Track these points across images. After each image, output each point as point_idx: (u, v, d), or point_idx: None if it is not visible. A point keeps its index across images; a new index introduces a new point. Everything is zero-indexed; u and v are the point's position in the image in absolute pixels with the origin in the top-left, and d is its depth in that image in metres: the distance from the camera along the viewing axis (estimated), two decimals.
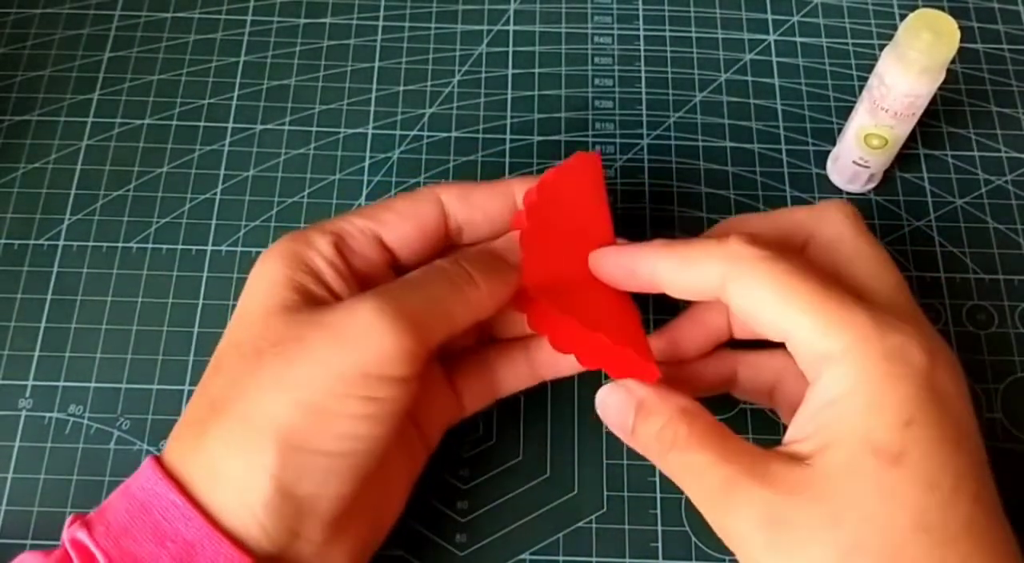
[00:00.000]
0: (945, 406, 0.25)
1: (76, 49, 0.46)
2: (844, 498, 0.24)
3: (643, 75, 0.46)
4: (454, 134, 0.44)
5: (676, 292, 0.30)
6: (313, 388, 0.27)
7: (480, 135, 0.44)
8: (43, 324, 0.39)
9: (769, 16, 0.47)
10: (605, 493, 0.36)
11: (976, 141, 0.44)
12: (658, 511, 0.36)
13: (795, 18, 0.47)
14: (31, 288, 0.40)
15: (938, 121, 0.44)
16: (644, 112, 0.44)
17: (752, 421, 0.37)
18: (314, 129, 0.44)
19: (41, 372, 0.38)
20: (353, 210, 0.33)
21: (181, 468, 0.28)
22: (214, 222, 0.41)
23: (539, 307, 0.31)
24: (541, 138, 0.44)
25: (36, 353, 0.38)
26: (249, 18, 0.47)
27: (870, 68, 0.38)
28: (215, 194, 0.42)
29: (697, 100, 0.45)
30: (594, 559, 0.35)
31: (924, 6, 0.42)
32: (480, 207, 0.33)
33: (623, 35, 0.47)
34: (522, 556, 0.35)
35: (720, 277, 0.28)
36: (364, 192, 0.42)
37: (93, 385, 0.38)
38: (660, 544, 0.35)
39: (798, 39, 0.47)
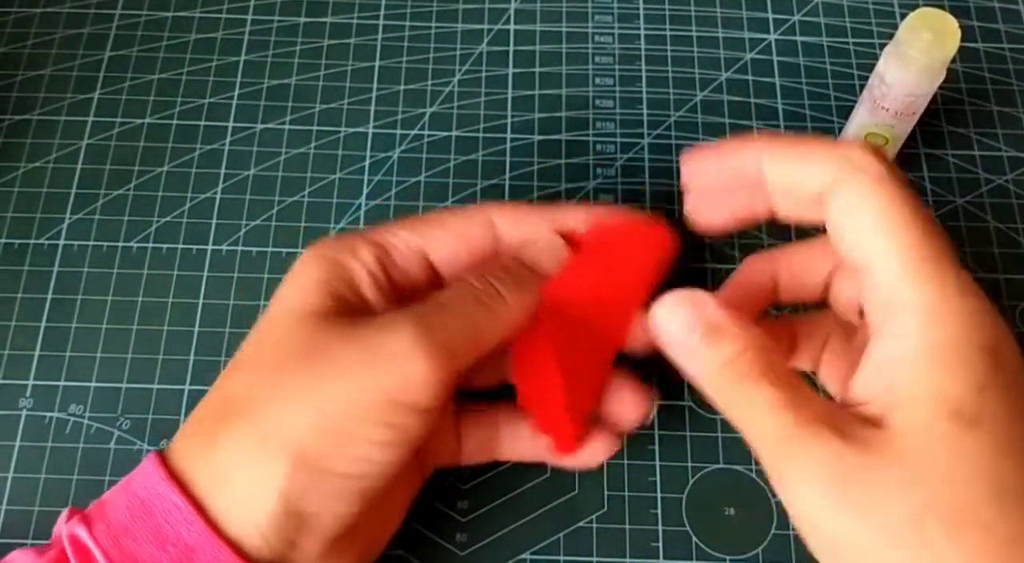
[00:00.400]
0: (1012, 376, 0.25)
1: (77, 48, 0.46)
2: (919, 460, 0.24)
3: (644, 74, 0.46)
4: (455, 133, 0.44)
5: (778, 188, 0.28)
6: (336, 408, 0.26)
7: (481, 134, 0.44)
8: (43, 324, 0.39)
9: (770, 15, 0.47)
10: (605, 493, 0.36)
11: (977, 140, 0.44)
12: (658, 511, 0.36)
13: (796, 17, 0.47)
14: (31, 288, 0.40)
15: (939, 120, 0.44)
16: (645, 111, 0.44)
17: None
18: (314, 128, 0.44)
19: (41, 372, 0.38)
20: (399, 221, 0.32)
21: (187, 468, 0.27)
22: (214, 221, 0.41)
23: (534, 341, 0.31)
24: (542, 137, 0.44)
25: (36, 353, 0.38)
26: (250, 17, 0.47)
27: (871, 67, 0.38)
28: (215, 193, 0.42)
29: (698, 99, 0.45)
30: (594, 559, 0.35)
31: (925, 5, 0.42)
32: (532, 234, 0.32)
33: (624, 34, 0.47)
34: (522, 556, 0.35)
35: (831, 180, 0.26)
36: (364, 191, 0.42)
37: (93, 385, 0.38)
38: (660, 544, 0.35)
39: (799, 38, 0.47)
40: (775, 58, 0.46)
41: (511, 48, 0.46)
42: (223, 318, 0.39)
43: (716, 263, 0.40)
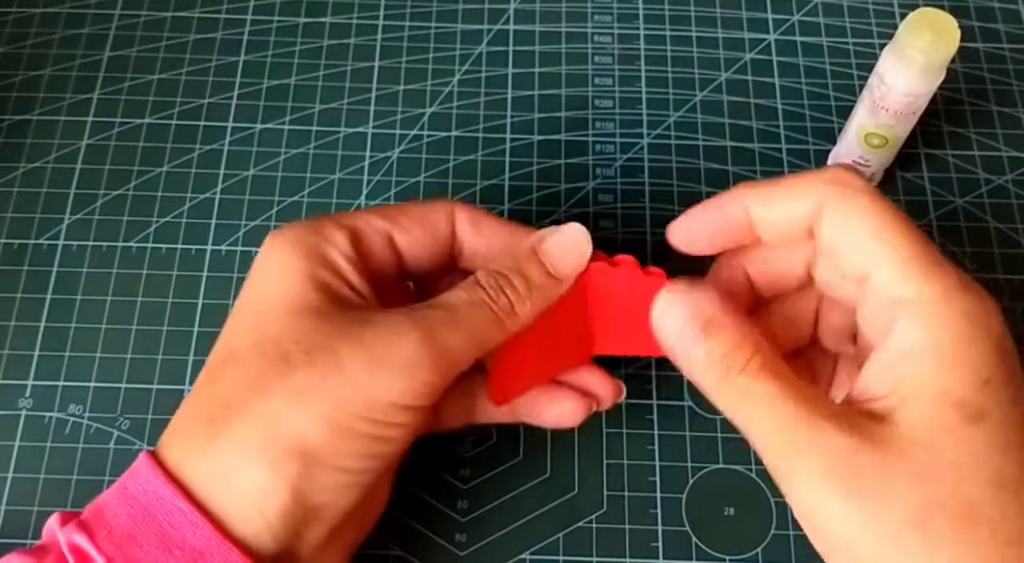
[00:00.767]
0: (1014, 369, 0.25)
1: (76, 48, 0.46)
2: (926, 454, 0.24)
3: (643, 74, 0.46)
4: (454, 133, 0.44)
5: (768, 227, 0.29)
6: (343, 408, 0.26)
7: (480, 134, 0.44)
8: (43, 324, 0.39)
9: (769, 15, 0.47)
10: (605, 493, 0.36)
11: (976, 140, 0.44)
12: (658, 511, 0.36)
13: (795, 17, 0.47)
14: (31, 288, 0.40)
15: (938, 120, 0.44)
16: (644, 111, 0.44)
17: None
18: (314, 128, 0.44)
19: (41, 372, 0.38)
20: (365, 209, 0.32)
21: (186, 469, 0.27)
22: (214, 221, 0.41)
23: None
24: (541, 137, 0.44)
25: (36, 353, 0.38)
26: (249, 17, 0.47)
27: (870, 67, 0.38)
28: (215, 193, 0.42)
29: (697, 99, 0.45)
30: (594, 559, 0.35)
31: (924, 5, 0.42)
32: (487, 240, 0.32)
33: (623, 34, 0.47)
34: (522, 556, 0.35)
35: (817, 204, 0.27)
36: (364, 191, 0.42)
37: (93, 385, 0.38)
38: (660, 544, 0.35)
39: (798, 38, 0.47)
40: (775, 58, 0.46)
41: (510, 48, 0.46)
42: (223, 318, 0.38)
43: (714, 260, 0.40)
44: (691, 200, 0.41)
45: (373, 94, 0.45)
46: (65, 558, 0.26)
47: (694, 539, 0.35)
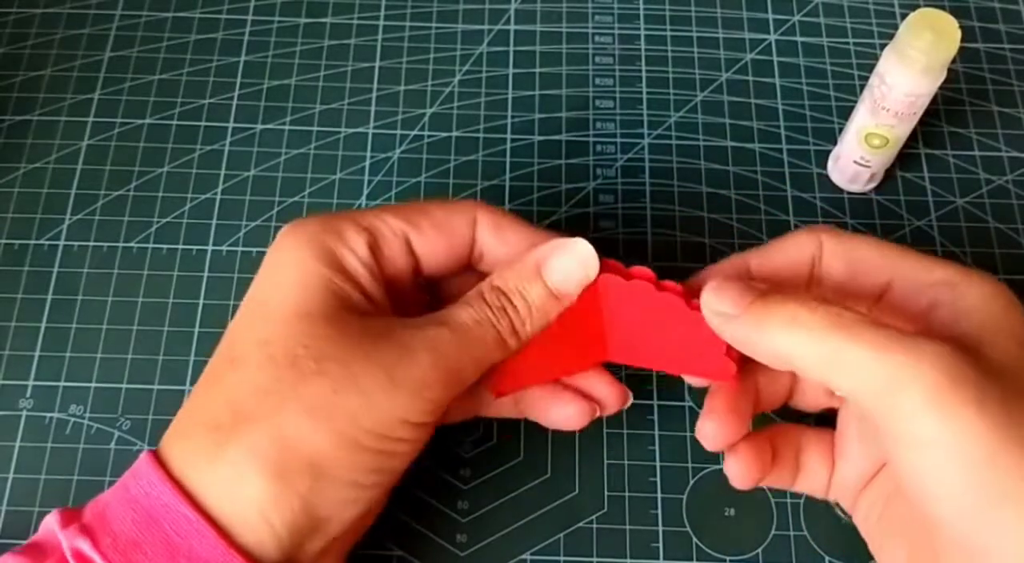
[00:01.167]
0: None
1: (77, 49, 0.46)
2: (1012, 378, 0.24)
3: (644, 74, 0.46)
4: (455, 134, 0.44)
5: (772, 268, 0.30)
6: (356, 424, 0.26)
7: (481, 135, 0.44)
8: (43, 324, 0.39)
9: (770, 16, 0.47)
10: (606, 493, 0.36)
11: (977, 141, 0.44)
12: (659, 511, 0.36)
13: (796, 17, 0.47)
14: (32, 288, 0.40)
15: (939, 120, 0.44)
16: (645, 111, 0.44)
17: (753, 420, 0.37)
18: (315, 129, 0.44)
19: (42, 372, 0.38)
20: (384, 206, 0.31)
21: (192, 475, 0.26)
22: (215, 222, 0.41)
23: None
24: (542, 138, 0.44)
25: (37, 353, 0.38)
26: (250, 18, 0.47)
27: (871, 67, 0.38)
28: (216, 194, 0.42)
29: (698, 100, 0.45)
30: (595, 559, 0.35)
31: (925, 5, 0.42)
32: (509, 246, 0.31)
33: (624, 34, 0.47)
34: (523, 556, 0.35)
35: (814, 241, 0.30)
36: (365, 192, 0.42)
37: (94, 385, 0.38)
38: (661, 544, 0.35)
39: (799, 39, 0.47)
40: (775, 58, 0.46)
41: (511, 48, 0.46)
42: (223, 319, 0.39)
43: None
44: (692, 200, 0.42)
45: (374, 94, 0.45)
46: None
47: (694, 539, 0.35)
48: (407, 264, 0.31)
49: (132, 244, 0.41)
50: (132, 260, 0.40)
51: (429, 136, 0.44)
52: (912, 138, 0.41)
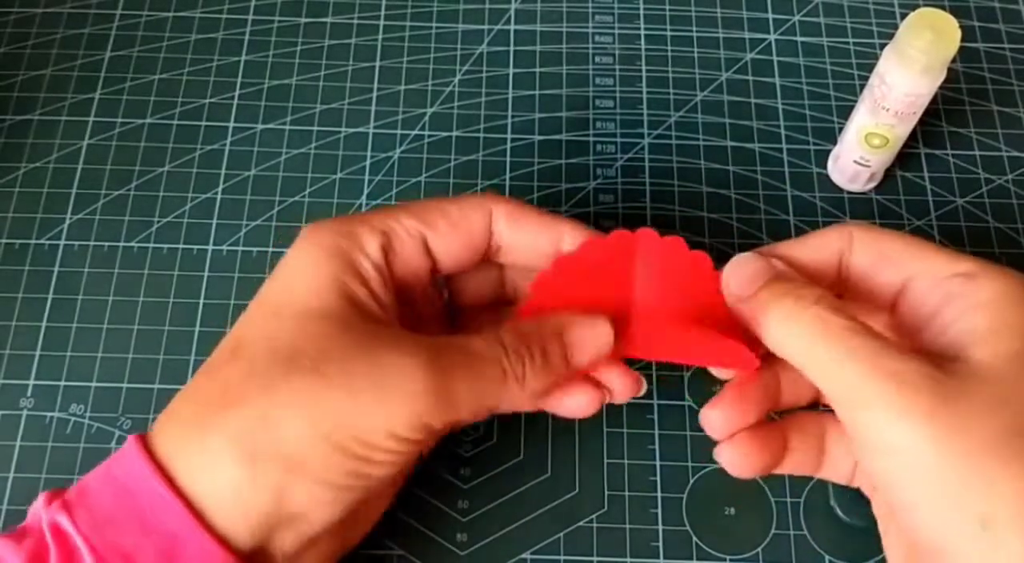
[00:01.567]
0: None
1: (77, 48, 0.46)
2: (1005, 381, 0.24)
3: (644, 74, 0.46)
4: (455, 133, 0.44)
5: (801, 260, 0.30)
6: (343, 428, 0.26)
7: (481, 134, 0.44)
8: (44, 324, 0.39)
9: (770, 15, 0.47)
10: (606, 492, 0.36)
11: (977, 140, 0.44)
12: (659, 511, 0.36)
13: (796, 17, 0.47)
14: (32, 288, 0.40)
15: (939, 120, 0.44)
16: (645, 111, 0.44)
17: None
18: (315, 128, 0.44)
19: (42, 372, 0.38)
20: (400, 205, 0.31)
21: (172, 454, 0.27)
22: (215, 221, 0.41)
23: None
24: (542, 137, 0.44)
25: (37, 353, 0.38)
26: (250, 17, 0.47)
27: (871, 67, 0.38)
28: (216, 193, 0.42)
29: (698, 99, 0.45)
30: (595, 559, 0.35)
31: (925, 5, 0.42)
32: (527, 236, 0.31)
33: (624, 34, 0.47)
34: (523, 555, 0.35)
35: (845, 235, 0.30)
36: (365, 191, 0.42)
37: (94, 385, 0.38)
38: (661, 544, 0.35)
39: (799, 38, 0.47)
40: (775, 58, 0.46)
41: (511, 48, 0.46)
42: (224, 318, 0.39)
43: (716, 263, 0.40)
44: (692, 200, 0.42)
45: (374, 94, 0.45)
46: (45, 538, 0.26)
47: (694, 539, 0.35)
48: (424, 264, 0.31)
49: (132, 244, 0.41)
50: (132, 260, 0.40)
51: (429, 136, 0.44)
52: (912, 138, 0.41)
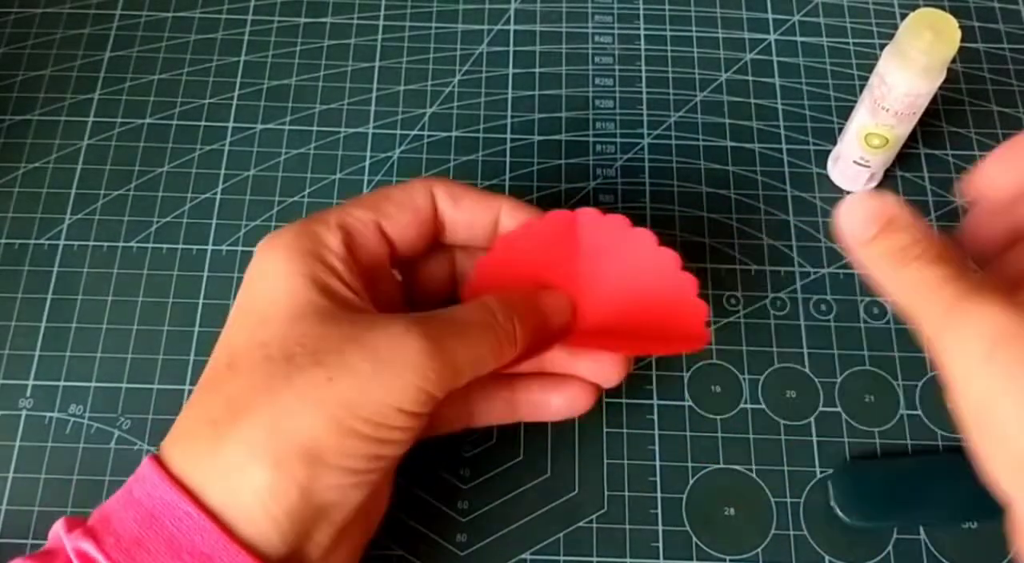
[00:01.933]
0: None
1: (77, 49, 0.46)
2: None
3: (644, 74, 0.46)
4: (455, 134, 0.44)
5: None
6: (350, 411, 0.26)
7: (480, 134, 0.44)
8: (43, 324, 0.39)
9: (770, 15, 0.47)
10: (606, 493, 0.36)
11: (977, 140, 0.44)
12: (659, 511, 0.36)
13: (796, 17, 0.47)
14: (31, 288, 0.40)
15: (939, 120, 0.44)
16: (645, 111, 0.44)
17: (752, 421, 0.37)
18: (314, 129, 0.44)
19: (41, 372, 0.38)
20: (349, 200, 0.32)
21: (192, 472, 0.27)
22: (214, 222, 0.41)
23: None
24: (541, 138, 0.44)
25: (36, 353, 0.38)
26: (250, 18, 0.47)
27: (871, 67, 0.38)
28: (215, 194, 0.42)
29: (698, 99, 0.45)
30: (595, 559, 0.35)
31: (925, 5, 0.42)
32: (467, 212, 0.33)
33: (624, 34, 0.47)
34: (523, 556, 0.35)
35: None
36: (364, 191, 0.42)
37: (93, 385, 0.38)
38: (661, 544, 0.35)
39: (799, 38, 0.47)
40: (775, 58, 0.46)
41: (511, 48, 0.46)
42: (223, 318, 0.39)
43: (715, 264, 0.40)
44: (691, 200, 0.42)
45: (374, 94, 0.45)
46: None
47: (694, 539, 0.35)
48: (383, 250, 0.32)
49: (132, 244, 0.41)
50: (132, 260, 0.40)
51: (429, 136, 0.44)
52: (912, 138, 0.41)
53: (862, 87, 0.39)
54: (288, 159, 0.43)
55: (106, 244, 0.41)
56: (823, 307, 0.40)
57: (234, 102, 0.44)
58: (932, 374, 0.38)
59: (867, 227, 0.28)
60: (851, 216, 0.28)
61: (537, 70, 0.46)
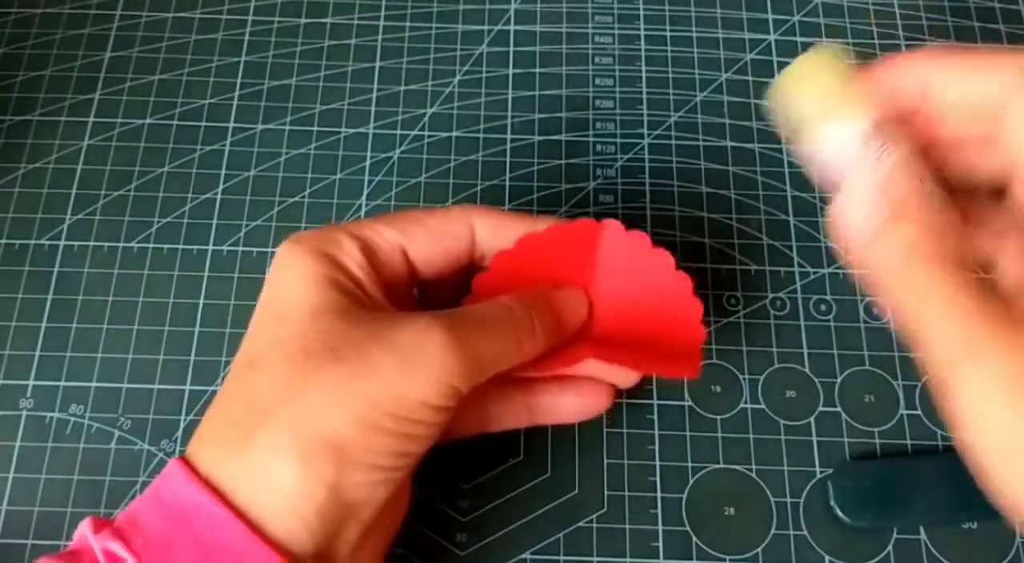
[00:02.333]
0: None
1: (77, 49, 0.46)
2: None
3: (644, 75, 0.46)
4: (455, 134, 0.44)
5: (947, 104, 0.26)
6: (375, 407, 0.26)
7: (481, 135, 0.44)
8: (44, 324, 0.39)
9: (770, 16, 0.47)
10: (606, 493, 0.36)
11: None
12: (659, 511, 0.36)
13: (795, 18, 0.47)
14: (32, 288, 0.40)
15: None
16: (645, 112, 0.45)
17: (752, 421, 0.37)
18: (315, 129, 0.44)
19: (42, 372, 0.38)
20: (377, 216, 0.32)
21: (219, 473, 0.27)
22: (215, 222, 0.41)
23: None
24: (542, 138, 0.44)
25: (37, 353, 0.38)
26: (250, 18, 0.47)
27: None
28: (216, 194, 0.42)
29: (698, 100, 0.45)
30: (595, 559, 0.35)
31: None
32: (508, 240, 0.32)
33: (624, 35, 0.47)
34: (523, 555, 0.35)
35: (1007, 87, 0.25)
36: (365, 192, 0.42)
37: (94, 385, 0.38)
38: (660, 544, 0.35)
39: (799, 39, 0.47)
40: (775, 59, 0.46)
41: (511, 49, 0.46)
42: (223, 318, 0.39)
43: (715, 264, 0.40)
44: (691, 200, 0.42)
45: (374, 95, 0.45)
46: None
47: (694, 539, 0.35)
48: (402, 270, 0.31)
49: (132, 244, 0.41)
50: (132, 260, 0.40)
51: (429, 136, 0.44)
52: None
53: None
54: (288, 159, 0.43)
55: (106, 244, 0.41)
56: (823, 307, 0.40)
57: (234, 102, 0.44)
58: None
59: (874, 210, 0.25)
60: (850, 209, 0.26)
61: (537, 70, 0.46)
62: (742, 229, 0.41)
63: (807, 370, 0.38)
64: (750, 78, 0.45)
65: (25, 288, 0.40)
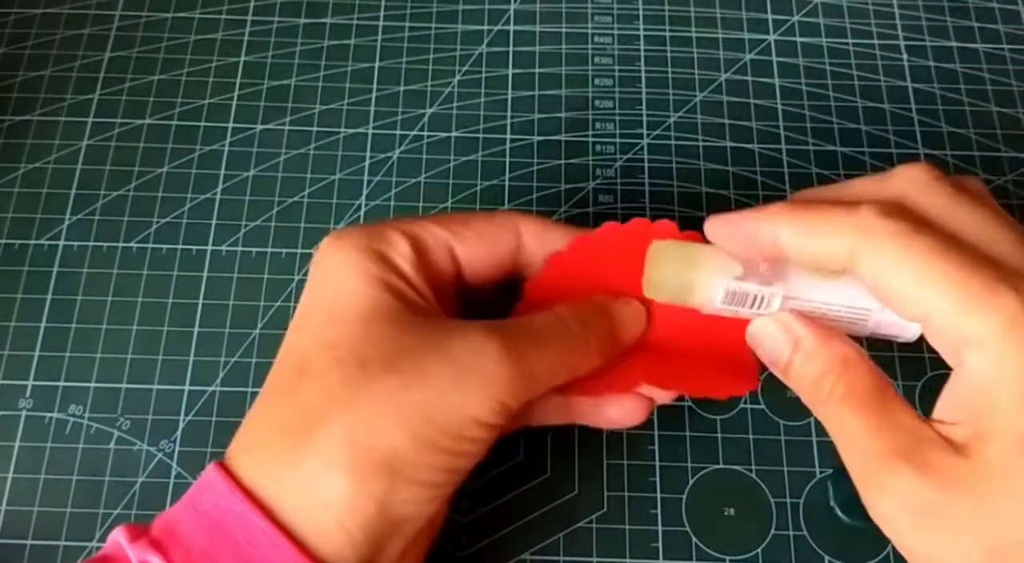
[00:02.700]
0: None
1: (77, 49, 0.46)
2: (999, 496, 0.23)
3: (643, 75, 0.46)
4: (454, 134, 0.44)
5: (802, 261, 0.27)
6: (430, 423, 0.25)
7: (480, 135, 0.44)
8: (43, 324, 0.39)
9: (769, 16, 0.47)
10: (605, 493, 0.36)
11: (976, 141, 0.44)
12: (658, 511, 0.36)
13: (795, 18, 0.47)
14: (31, 288, 0.40)
15: (938, 121, 0.44)
16: (644, 112, 0.45)
17: (752, 421, 0.37)
18: (314, 129, 0.44)
19: (41, 372, 0.38)
20: (427, 216, 0.31)
21: (264, 483, 0.26)
22: (214, 222, 0.41)
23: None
24: (541, 138, 0.44)
25: (36, 353, 0.38)
26: (249, 18, 0.47)
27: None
28: (215, 194, 0.42)
29: (697, 100, 0.45)
30: (594, 559, 0.35)
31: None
32: (553, 248, 0.31)
33: (623, 35, 0.47)
34: (523, 556, 0.35)
35: (850, 250, 0.25)
36: (364, 192, 0.42)
37: (93, 385, 0.38)
38: (660, 544, 0.35)
39: (798, 39, 0.47)
40: (774, 59, 0.46)
41: (511, 49, 0.46)
42: (223, 318, 0.39)
43: None
44: (691, 201, 0.42)
45: (373, 95, 0.45)
46: None
47: (694, 539, 0.35)
48: (450, 271, 0.30)
49: (132, 244, 0.41)
50: (132, 260, 0.40)
51: (429, 136, 0.44)
52: (911, 138, 0.41)
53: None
54: (288, 159, 0.43)
55: (106, 244, 0.41)
56: None
57: (234, 102, 0.44)
58: (932, 374, 0.38)
59: (780, 353, 0.28)
60: (761, 340, 0.28)
61: (537, 70, 0.46)
62: None
63: None
64: (750, 78, 0.45)
65: (24, 288, 0.40)
